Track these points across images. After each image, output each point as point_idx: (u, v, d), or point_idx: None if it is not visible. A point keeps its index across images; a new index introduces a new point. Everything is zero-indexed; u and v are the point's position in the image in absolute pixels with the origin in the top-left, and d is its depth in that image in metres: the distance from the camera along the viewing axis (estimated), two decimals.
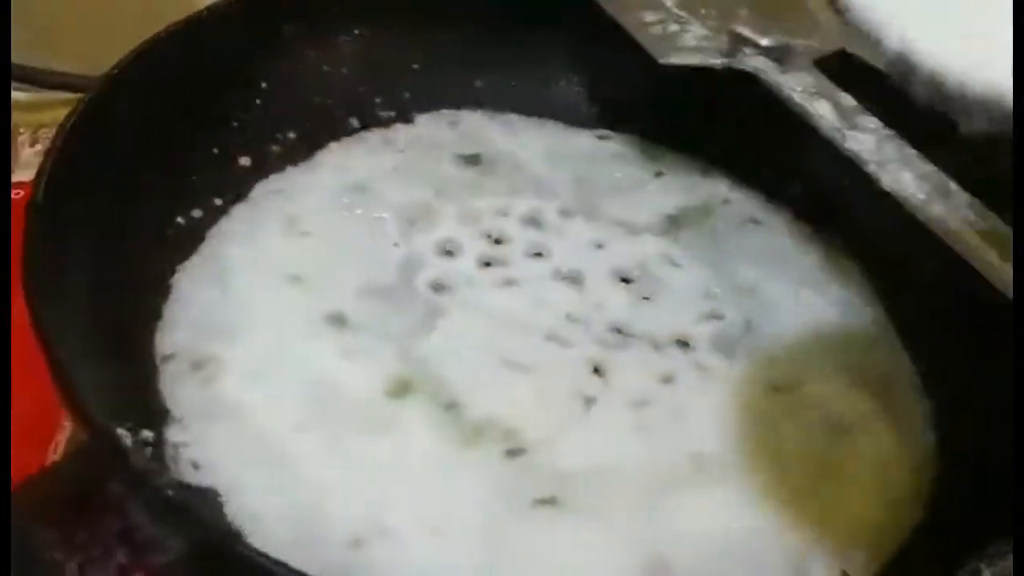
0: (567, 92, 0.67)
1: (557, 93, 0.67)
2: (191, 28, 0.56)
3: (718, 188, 0.61)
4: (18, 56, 0.74)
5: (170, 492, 0.33)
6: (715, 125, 0.63)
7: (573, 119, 0.65)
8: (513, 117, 0.65)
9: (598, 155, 0.63)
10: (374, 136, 0.61)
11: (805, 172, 0.61)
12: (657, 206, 0.59)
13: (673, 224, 0.58)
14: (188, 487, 0.39)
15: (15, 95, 0.73)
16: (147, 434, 0.41)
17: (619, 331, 0.51)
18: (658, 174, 0.62)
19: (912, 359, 0.53)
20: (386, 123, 0.62)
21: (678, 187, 0.61)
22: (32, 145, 0.70)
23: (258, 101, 0.59)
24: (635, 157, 0.63)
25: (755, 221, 0.60)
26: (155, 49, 0.53)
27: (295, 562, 0.35)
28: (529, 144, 0.63)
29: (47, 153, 0.45)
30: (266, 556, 0.32)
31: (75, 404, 0.35)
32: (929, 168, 0.51)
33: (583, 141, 0.64)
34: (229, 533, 0.33)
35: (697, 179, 0.62)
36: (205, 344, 0.46)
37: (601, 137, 0.64)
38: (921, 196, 0.50)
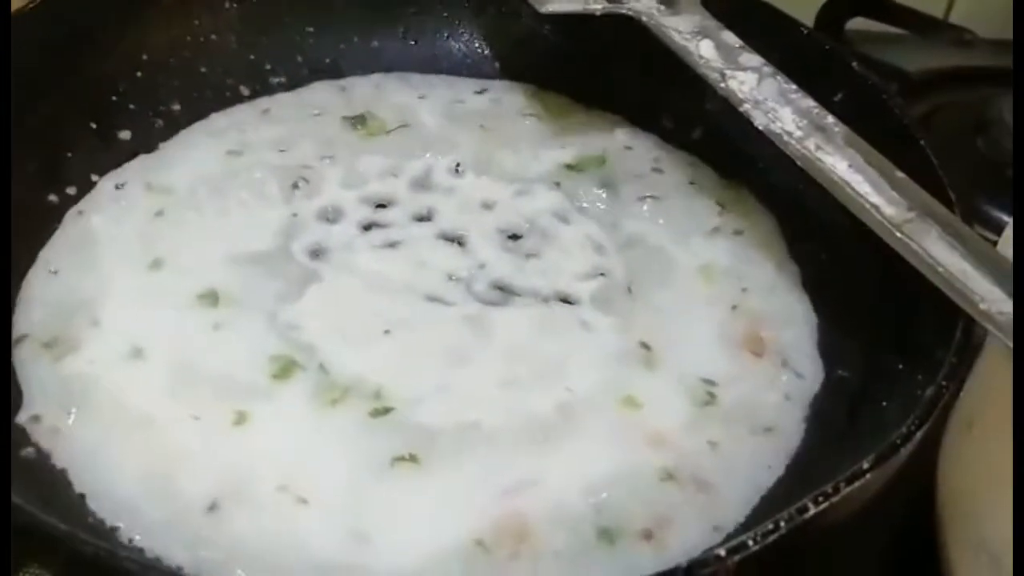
0: (468, 47, 0.65)
1: (457, 48, 0.65)
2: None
3: (617, 136, 0.60)
4: None
5: None
6: (615, 72, 0.61)
7: (474, 73, 0.64)
8: (412, 76, 0.63)
9: (498, 109, 0.62)
10: (264, 102, 0.60)
11: (706, 116, 0.59)
12: (554, 157, 0.58)
13: (568, 176, 0.57)
14: (24, 464, 0.38)
15: None
16: None
17: (501, 290, 0.50)
18: (558, 125, 0.60)
19: (811, 304, 0.51)
20: (279, 89, 0.61)
21: (577, 138, 0.59)
22: None
23: (139, 73, 0.57)
24: (536, 109, 0.62)
25: (656, 170, 0.58)
26: (19, 19, 0.52)
27: (154, 530, 0.34)
28: (426, 101, 0.61)
29: None
30: (82, 539, 0.31)
31: None
32: (808, 103, 0.50)
33: (481, 96, 0.62)
34: (35, 516, 0.32)
35: (597, 128, 0.60)
36: (62, 324, 0.45)
37: (503, 91, 0.63)
38: (797, 133, 0.49)
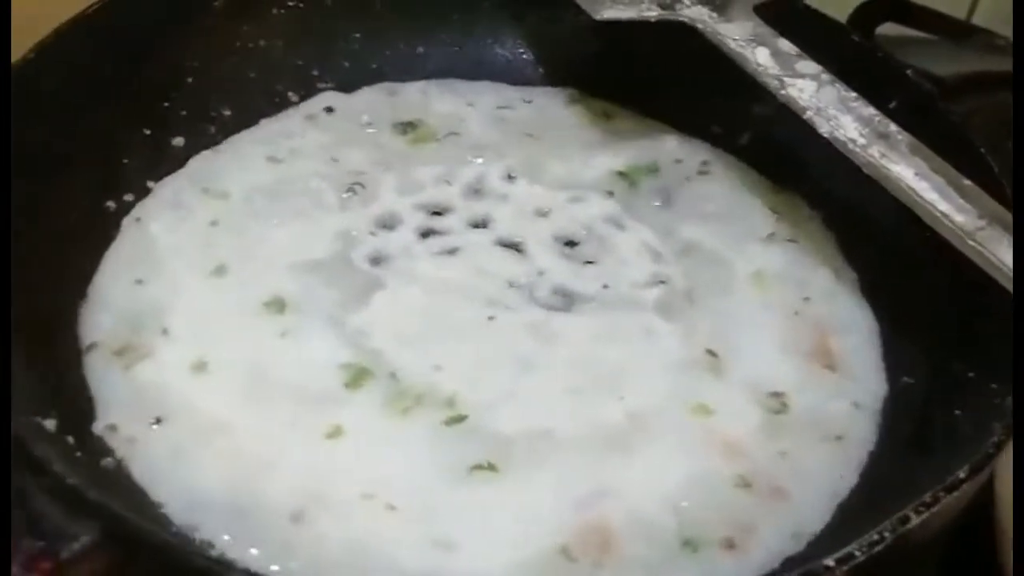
0: (513, 53, 0.65)
1: (502, 55, 0.65)
2: (117, 6, 0.54)
3: (667, 143, 0.60)
4: None
5: (71, 480, 0.32)
6: (662, 79, 0.61)
7: (520, 80, 0.64)
8: (458, 82, 0.63)
9: (545, 115, 0.62)
10: (312, 108, 0.60)
11: (755, 122, 0.59)
12: (605, 164, 0.58)
13: (621, 183, 0.57)
14: (104, 474, 0.38)
15: None
16: (72, 422, 0.40)
17: (563, 296, 0.50)
18: (606, 131, 0.61)
19: (872, 312, 0.51)
20: (326, 94, 0.61)
21: (626, 144, 0.59)
22: None
23: (190, 79, 0.57)
24: (583, 115, 0.62)
25: (705, 174, 0.58)
26: (77, 28, 0.52)
27: (239, 538, 0.34)
28: (474, 107, 0.61)
29: None
30: (173, 545, 0.32)
31: None
32: (870, 111, 0.50)
33: (531, 101, 0.62)
34: (130, 518, 0.32)
35: (646, 135, 0.60)
36: (130, 332, 0.45)
37: (549, 96, 0.63)
38: (861, 140, 0.49)
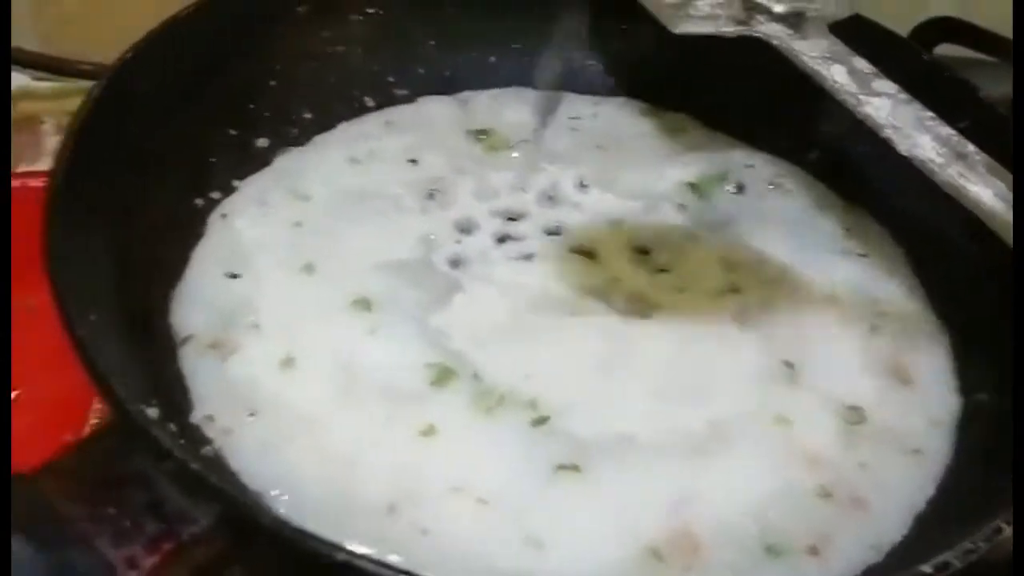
0: (582, 64, 0.66)
1: (572, 65, 0.66)
2: (204, 10, 0.56)
3: (737, 156, 0.61)
4: (40, 45, 0.75)
5: (195, 465, 0.34)
6: (734, 93, 0.62)
7: (589, 90, 0.65)
8: (528, 91, 0.64)
9: (615, 125, 0.63)
10: (389, 114, 0.61)
11: (825, 138, 0.60)
12: (676, 175, 0.59)
13: (692, 194, 0.58)
14: (207, 462, 0.39)
15: (38, 84, 0.74)
16: (172, 411, 0.42)
17: (637, 303, 0.51)
18: (676, 143, 0.62)
19: (944, 329, 0.52)
20: (401, 101, 0.62)
21: (697, 156, 0.60)
22: (57, 134, 0.71)
23: (273, 82, 0.59)
24: (653, 126, 0.63)
25: (775, 188, 0.59)
26: (168, 31, 0.53)
27: (333, 530, 0.35)
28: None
29: (66, 136, 0.45)
30: (289, 524, 0.33)
31: (100, 381, 0.36)
32: (947, 131, 0.51)
33: (600, 112, 0.64)
34: (257, 504, 0.33)
35: (716, 147, 0.61)
36: (222, 326, 0.47)
37: (618, 107, 0.64)
38: (939, 160, 0.50)
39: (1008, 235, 0.46)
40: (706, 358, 0.48)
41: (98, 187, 0.46)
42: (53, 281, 0.39)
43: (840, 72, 0.54)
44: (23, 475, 0.33)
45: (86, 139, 0.46)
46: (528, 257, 0.53)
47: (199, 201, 0.53)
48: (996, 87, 0.81)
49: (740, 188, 0.59)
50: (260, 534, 0.32)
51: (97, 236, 0.45)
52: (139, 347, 0.44)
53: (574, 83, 0.65)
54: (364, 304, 0.49)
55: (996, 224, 0.47)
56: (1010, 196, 0.48)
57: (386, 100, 0.62)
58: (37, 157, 0.68)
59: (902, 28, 0.80)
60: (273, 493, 0.41)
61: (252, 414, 0.43)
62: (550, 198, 0.57)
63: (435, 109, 0.62)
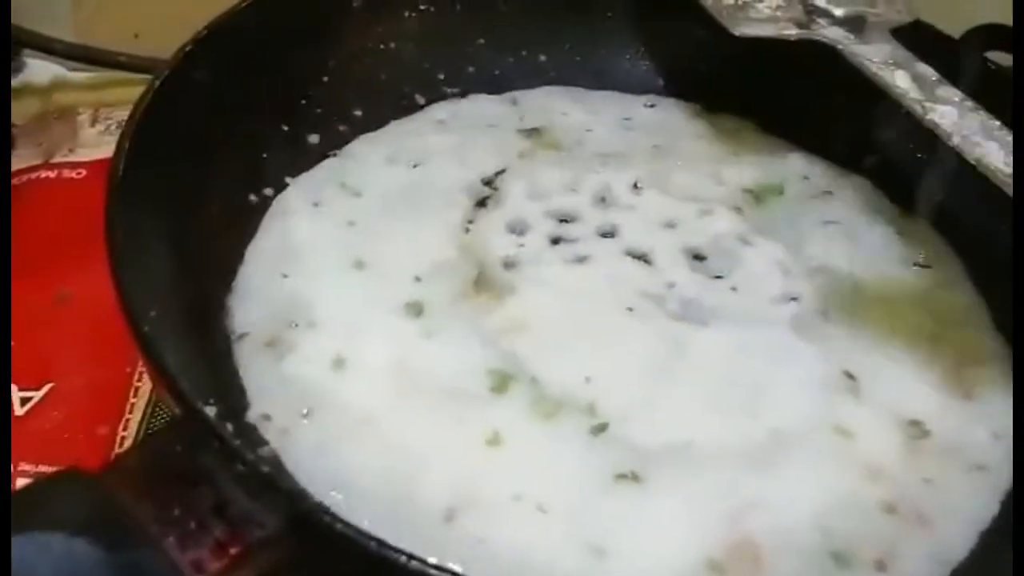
0: (634, 64, 0.66)
1: (624, 65, 0.66)
2: (262, 5, 0.55)
3: (793, 161, 0.60)
4: (77, 36, 0.75)
5: (264, 468, 0.33)
6: (790, 96, 0.61)
7: (641, 90, 0.64)
8: (578, 91, 0.64)
9: (669, 127, 0.62)
10: (439, 112, 0.61)
11: (881, 145, 0.59)
12: (731, 179, 0.58)
13: (748, 199, 0.57)
14: (272, 462, 0.39)
15: (74, 76, 0.74)
16: (228, 410, 0.41)
17: (694, 309, 0.51)
18: (731, 146, 0.61)
19: (1006, 342, 0.51)
20: (451, 98, 0.62)
21: (752, 160, 0.60)
22: (93, 124, 0.70)
23: (325, 78, 0.58)
24: (707, 129, 0.62)
25: (831, 194, 0.58)
26: (227, 25, 0.53)
27: (390, 535, 0.34)
28: (597, 117, 0.62)
29: (126, 127, 0.45)
30: (362, 531, 0.32)
31: (167, 380, 0.36)
32: (1013, 140, 0.50)
33: (654, 112, 0.63)
34: (324, 508, 0.33)
35: (772, 151, 0.60)
36: (278, 324, 0.46)
37: (672, 108, 0.63)
38: (1007, 169, 0.49)
39: None
40: (764, 366, 0.47)
41: (156, 180, 0.46)
42: (117, 276, 0.38)
43: (904, 78, 0.53)
44: (87, 473, 0.33)
45: (145, 130, 0.46)
46: (582, 260, 0.53)
47: (253, 197, 0.53)
48: None
49: (797, 193, 0.58)
50: (331, 540, 0.32)
51: (156, 231, 0.45)
52: (196, 344, 0.44)
53: (627, 82, 0.65)
54: (418, 306, 0.48)
55: None
56: None
57: (436, 98, 0.62)
58: (73, 148, 0.68)
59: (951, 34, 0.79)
60: (330, 495, 0.40)
61: (308, 414, 0.43)
62: (603, 200, 0.56)
63: (485, 108, 0.61)
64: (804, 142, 0.61)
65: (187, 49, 0.51)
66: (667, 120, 0.63)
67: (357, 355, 0.46)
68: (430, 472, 0.41)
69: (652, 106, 0.64)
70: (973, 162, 0.49)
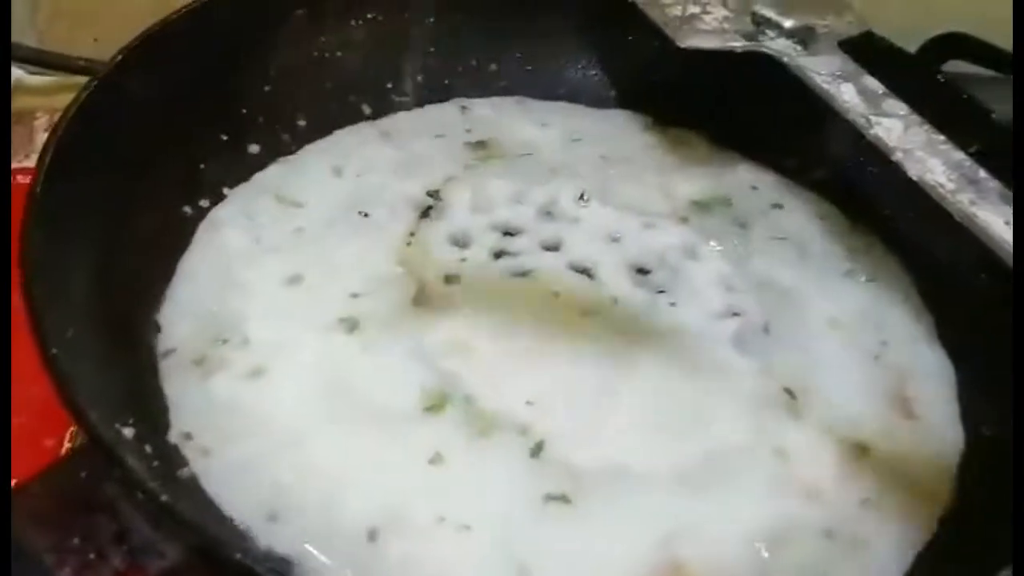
0: (585, 74, 0.65)
1: (574, 75, 0.65)
2: (200, 12, 0.54)
3: (742, 173, 0.59)
4: (35, 40, 0.74)
5: (165, 497, 0.32)
6: (740, 108, 0.61)
7: (592, 101, 0.64)
8: (529, 101, 0.63)
9: (619, 138, 0.61)
10: (385, 122, 0.60)
11: (832, 157, 0.59)
12: (679, 192, 0.58)
13: (695, 211, 0.56)
14: (181, 485, 0.38)
15: (32, 79, 0.73)
16: (148, 430, 0.40)
17: (635, 324, 0.50)
18: (680, 158, 0.60)
19: (950, 359, 0.51)
20: (398, 108, 0.61)
21: (702, 172, 0.59)
22: (49, 130, 0.69)
23: (267, 87, 0.57)
24: (657, 140, 0.61)
25: (779, 208, 0.58)
26: (163, 33, 0.52)
27: (312, 557, 0.33)
28: (546, 128, 0.61)
29: (48, 139, 0.44)
30: (264, 565, 0.31)
31: (70, 402, 0.35)
32: (958, 156, 0.49)
33: (604, 124, 0.62)
34: (223, 539, 0.32)
35: (721, 163, 0.60)
36: (207, 340, 0.45)
37: (622, 120, 0.63)
38: (950, 185, 0.48)
39: (1014, 263, 0.45)
40: (704, 385, 0.47)
41: (81, 193, 0.45)
42: (28, 296, 0.37)
43: (850, 91, 0.53)
44: None
45: (70, 142, 0.45)
46: (525, 274, 0.52)
47: (187, 209, 0.52)
48: (1006, 105, 0.80)
49: (745, 206, 0.57)
50: (232, 571, 0.31)
51: (79, 244, 0.44)
52: (119, 362, 0.43)
53: (578, 93, 0.64)
54: (353, 321, 0.47)
55: (1004, 254, 0.45)
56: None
57: (384, 107, 0.61)
58: (29, 153, 0.67)
59: (910, 44, 0.78)
60: (252, 516, 0.39)
61: (233, 434, 0.42)
62: (549, 212, 0.55)
63: (433, 118, 0.60)
64: (754, 154, 0.60)
65: (118, 59, 0.49)
66: (617, 131, 0.62)
67: (287, 373, 0.45)
68: (356, 492, 0.40)
69: (602, 117, 0.63)
70: (915, 179, 0.48)
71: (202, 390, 0.43)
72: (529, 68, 0.64)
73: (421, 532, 0.39)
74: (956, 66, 0.81)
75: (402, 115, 0.60)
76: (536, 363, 0.47)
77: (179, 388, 0.44)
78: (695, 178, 0.58)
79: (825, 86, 0.53)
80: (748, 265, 0.53)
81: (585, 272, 0.52)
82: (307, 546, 0.37)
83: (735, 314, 0.51)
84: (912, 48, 0.78)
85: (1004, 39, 0.80)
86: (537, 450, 0.43)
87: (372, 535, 0.39)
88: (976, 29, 0.80)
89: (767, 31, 0.56)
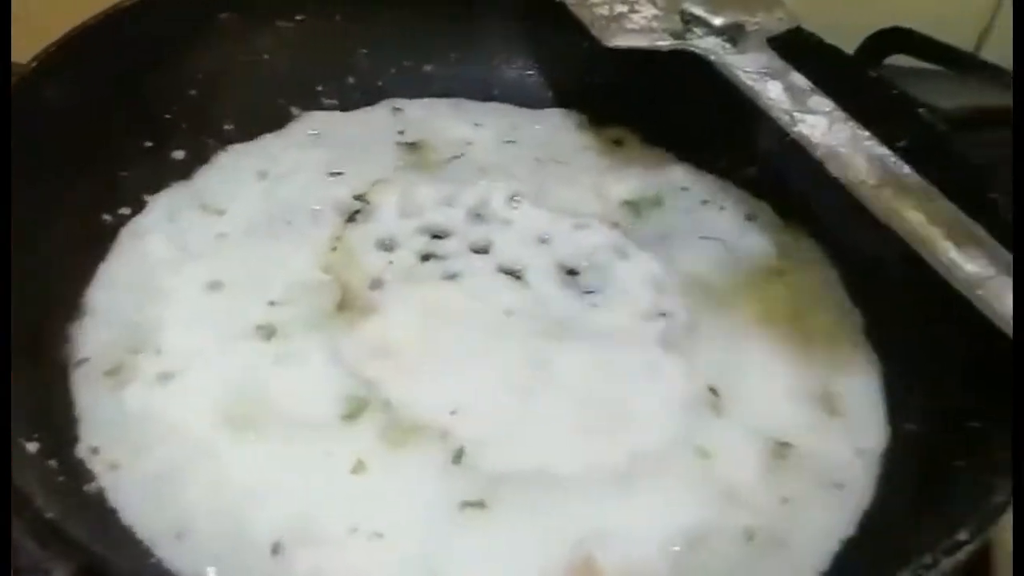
0: (521, 75, 0.65)
1: (510, 76, 0.64)
2: (121, 16, 0.53)
3: (675, 172, 0.59)
4: None
5: (50, 515, 0.31)
6: (674, 107, 0.61)
7: (528, 101, 0.63)
8: (464, 102, 0.63)
9: (554, 138, 0.61)
10: (315, 124, 0.59)
11: (763, 156, 0.59)
12: (611, 192, 0.57)
13: (627, 212, 0.56)
14: (85, 501, 0.37)
15: None
16: (55, 444, 0.40)
17: (561, 327, 0.49)
18: (614, 158, 0.60)
19: (876, 354, 0.50)
20: (329, 111, 0.60)
21: (634, 172, 0.59)
22: None
23: (193, 91, 0.56)
24: (592, 140, 0.61)
25: (711, 206, 0.57)
26: (81, 37, 0.51)
27: (219, 571, 0.33)
28: (480, 128, 0.61)
29: None
30: None
31: None
32: (882, 151, 0.49)
33: (538, 124, 0.62)
34: (114, 562, 0.31)
35: (654, 162, 0.60)
36: (121, 351, 0.45)
37: (557, 119, 0.62)
38: (872, 182, 0.48)
39: (937, 262, 0.45)
40: (628, 385, 0.47)
41: None
42: None
43: (776, 88, 0.53)
44: None
45: None
46: (452, 277, 0.51)
47: (107, 217, 0.51)
48: (947, 99, 0.80)
49: (676, 205, 0.57)
50: None
51: None
52: (30, 374, 0.42)
53: (514, 94, 0.64)
54: (271, 328, 0.47)
55: (925, 250, 0.45)
56: (944, 222, 0.46)
57: (313, 110, 0.60)
58: None
59: (853, 38, 0.79)
60: (159, 533, 0.38)
61: (144, 446, 0.41)
62: (479, 215, 0.55)
63: (365, 120, 0.60)
64: (688, 153, 0.60)
65: (34, 65, 0.48)
66: (552, 132, 0.61)
67: (201, 383, 0.44)
68: (267, 505, 0.40)
69: (538, 117, 0.62)
70: (836, 176, 0.48)
71: (114, 402, 0.43)
72: (464, 69, 0.64)
73: (331, 543, 0.39)
74: (898, 60, 0.82)
75: (332, 117, 0.60)
76: (459, 368, 0.47)
77: (90, 400, 0.43)
78: (628, 178, 0.58)
79: (751, 83, 0.53)
80: (677, 264, 0.53)
81: (514, 274, 0.52)
82: (208, 569, 0.36)
83: (662, 314, 0.50)
84: (854, 43, 0.79)
85: (944, 34, 0.81)
86: (459, 456, 0.42)
87: (276, 549, 0.38)
88: (918, 24, 0.80)
89: (696, 29, 0.56)
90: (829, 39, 0.60)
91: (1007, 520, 0.45)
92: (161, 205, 0.52)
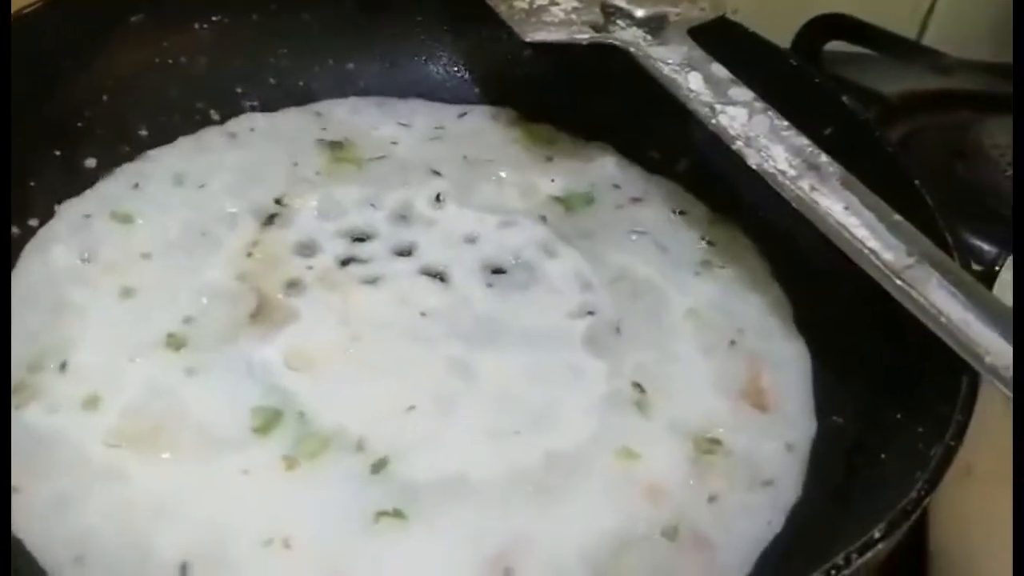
0: (447, 71, 0.63)
1: (436, 73, 0.63)
2: (25, 20, 0.52)
3: (605, 168, 0.58)
4: None
5: None
6: (602, 101, 0.60)
7: (455, 98, 0.62)
8: (390, 100, 0.61)
9: (482, 136, 0.60)
10: (233, 127, 0.57)
11: (692, 148, 0.58)
12: (540, 188, 0.56)
13: (555, 209, 0.55)
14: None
15: None
16: None
17: (485, 329, 0.48)
18: (543, 154, 0.59)
19: (806, 346, 0.50)
20: (249, 112, 0.59)
21: (563, 168, 0.58)
22: None
23: (105, 97, 0.55)
24: (522, 137, 0.60)
25: (641, 201, 0.57)
26: None
27: None
28: (406, 128, 0.59)
29: None
30: None
31: None
32: (801, 141, 0.49)
33: (466, 121, 0.61)
34: None
35: (584, 158, 0.59)
36: (24, 368, 0.43)
37: (486, 116, 0.61)
38: (791, 172, 0.48)
39: (855, 252, 0.44)
40: (552, 387, 0.46)
41: None
42: None
43: (696, 80, 0.52)
44: None
45: None
46: (373, 281, 0.50)
47: (15, 229, 0.49)
48: (885, 84, 0.80)
49: (606, 201, 0.56)
50: None
51: None
52: None
53: (440, 91, 0.63)
54: (183, 339, 0.45)
55: (841, 240, 0.45)
56: (863, 211, 0.46)
57: (233, 112, 0.58)
58: None
59: (791, 24, 0.78)
60: (58, 559, 0.37)
61: (45, 469, 0.40)
62: (402, 216, 0.54)
63: (285, 121, 0.58)
64: (619, 148, 0.60)
65: None
66: (480, 129, 0.60)
67: (109, 400, 0.43)
68: (173, 526, 0.39)
69: (465, 115, 0.61)
70: (754, 167, 0.47)
71: (15, 422, 0.41)
72: (388, 67, 0.63)
73: (241, 559, 0.38)
74: (837, 46, 0.81)
75: (252, 119, 0.58)
76: (378, 375, 0.46)
77: None
78: (558, 174, 0.57)
79: (672, 75, 0.52)
80: (606, 260, 0.52)
81: (438, 276, 0.51)
82: None
83: (589, 312, 0.50)
84: (793, 28, 0.78)
85: (880, 18, 0.81)
86: (380, 466, 0.42)
87: (184, 570, 0.37)
88: (860, 10, 0.80)
89: (618, 21, 0.55)
90: (769, 27, 0.59)
91: (947, 515, 0.45)
92: (69, 214, 0.51)
